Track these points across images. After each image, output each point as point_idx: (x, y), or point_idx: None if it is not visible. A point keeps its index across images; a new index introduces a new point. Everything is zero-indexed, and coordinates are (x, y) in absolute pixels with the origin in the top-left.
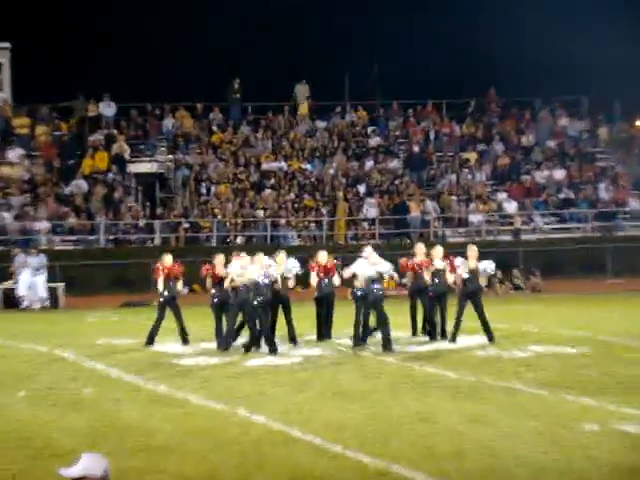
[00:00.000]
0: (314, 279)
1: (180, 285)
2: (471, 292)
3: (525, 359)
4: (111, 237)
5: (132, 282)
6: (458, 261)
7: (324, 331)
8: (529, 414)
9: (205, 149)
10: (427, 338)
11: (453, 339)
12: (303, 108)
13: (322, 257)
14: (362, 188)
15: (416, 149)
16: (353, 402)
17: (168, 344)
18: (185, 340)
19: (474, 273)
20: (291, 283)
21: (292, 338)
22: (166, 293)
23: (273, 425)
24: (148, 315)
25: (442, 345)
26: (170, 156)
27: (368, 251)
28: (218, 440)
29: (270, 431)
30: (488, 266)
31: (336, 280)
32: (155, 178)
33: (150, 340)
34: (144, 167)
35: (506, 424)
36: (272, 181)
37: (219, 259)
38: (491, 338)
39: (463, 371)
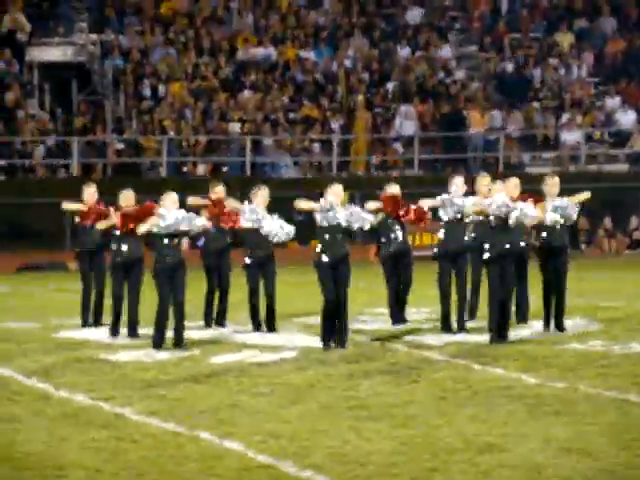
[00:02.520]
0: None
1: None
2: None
3: None
4: (1, 162)
5: (35, 234)
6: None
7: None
8: None
9: (149, 26)
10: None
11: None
12: None
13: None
14: (394, 89)
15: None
16: (377, 421)
17: (91, 329)
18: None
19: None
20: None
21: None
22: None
23: (254, 457)
24: (60, 284)
25: (514, 333)
26: (94, 37)
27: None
28: None
29: (249, 467)
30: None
31: None
32: (71, 71)
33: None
34: (53, 54)
35: (613, 456)
36: (254, 77)
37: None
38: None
39: (548, 373)
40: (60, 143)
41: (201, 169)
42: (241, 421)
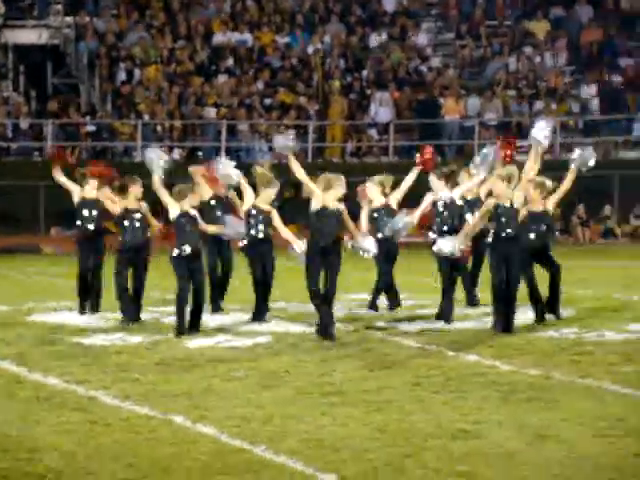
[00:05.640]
0: None
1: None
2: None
3: (621, 344)
4: None
5: (10, 217)
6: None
7: None
8: (624, 428)
9: (125, 10)
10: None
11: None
12: None
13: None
14: (369, 75)
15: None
16: (352, 406)
17: (65, 312)
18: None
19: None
20: None
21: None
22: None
23: (228, 441)
24: (37, 267)
25: (487, 320)
26: (69, 19)
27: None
28: (142, 466)
29: (222, 451)
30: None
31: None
32: (45, 54)
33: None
34: (27, 36)
35: (587, 443)
36: (229, 62)
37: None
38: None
39: (522, 361)
40: (34, 126)
41: (176, 154)
42: (215, 405)
